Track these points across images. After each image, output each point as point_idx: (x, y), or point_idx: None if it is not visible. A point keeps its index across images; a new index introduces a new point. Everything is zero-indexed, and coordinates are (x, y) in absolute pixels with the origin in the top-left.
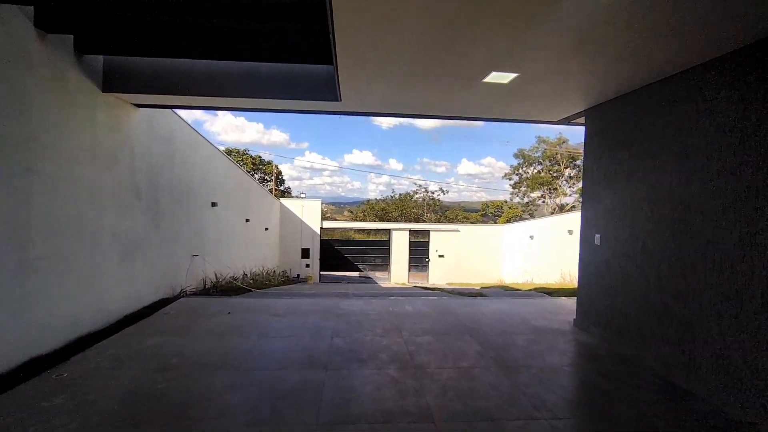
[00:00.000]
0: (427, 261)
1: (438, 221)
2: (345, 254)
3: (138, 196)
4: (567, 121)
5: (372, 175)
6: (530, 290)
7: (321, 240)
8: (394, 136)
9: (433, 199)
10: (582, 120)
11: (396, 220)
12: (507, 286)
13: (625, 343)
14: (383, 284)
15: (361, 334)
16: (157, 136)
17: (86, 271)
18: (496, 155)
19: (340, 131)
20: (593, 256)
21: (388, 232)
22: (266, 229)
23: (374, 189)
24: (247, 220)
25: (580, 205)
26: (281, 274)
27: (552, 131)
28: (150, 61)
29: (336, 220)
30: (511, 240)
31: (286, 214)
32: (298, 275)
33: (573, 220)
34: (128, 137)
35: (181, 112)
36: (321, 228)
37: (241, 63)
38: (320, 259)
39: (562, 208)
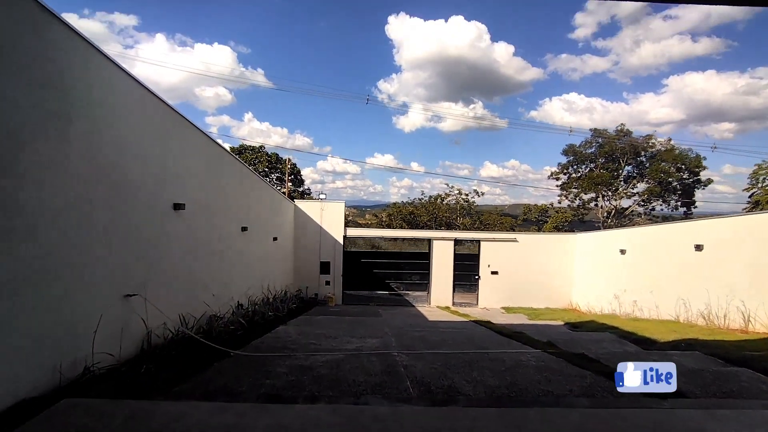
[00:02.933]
0: (477, 279)
1: (474, 227)
2: (374, 269)
3: None
4: None
5: (394, 178)
6: (676, 343)
7: (344, 251)
8: (416, 139)
9: (467, 201)
10: None
11: (426, 225)
12: (624, 330)
13: None
14: (423, 309)
15: None
16: (10, 64)
17: None
18: (520, 158)
19: (362, 134)
20: None
21: (428, 242)
22: (275, 239)
23: (396, 192)
24: (244, 229)
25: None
26: (294, 296)
27: (611, 123)
28: None
29: (359, 225)
30: (587, 254)
31: (302, 220)
32: (316, 295)
33: (703, 229)
34: None
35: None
36: (344, 237)
37: None
38: (343, 275)
39: (620, 213)
